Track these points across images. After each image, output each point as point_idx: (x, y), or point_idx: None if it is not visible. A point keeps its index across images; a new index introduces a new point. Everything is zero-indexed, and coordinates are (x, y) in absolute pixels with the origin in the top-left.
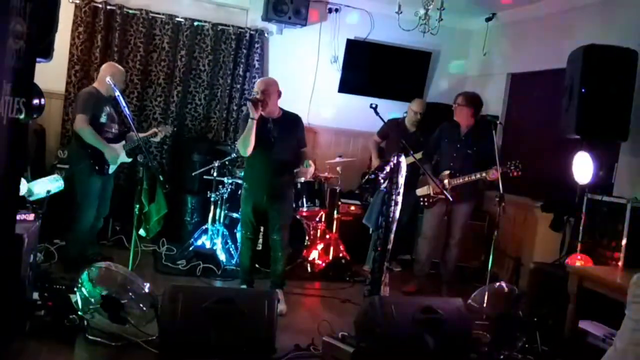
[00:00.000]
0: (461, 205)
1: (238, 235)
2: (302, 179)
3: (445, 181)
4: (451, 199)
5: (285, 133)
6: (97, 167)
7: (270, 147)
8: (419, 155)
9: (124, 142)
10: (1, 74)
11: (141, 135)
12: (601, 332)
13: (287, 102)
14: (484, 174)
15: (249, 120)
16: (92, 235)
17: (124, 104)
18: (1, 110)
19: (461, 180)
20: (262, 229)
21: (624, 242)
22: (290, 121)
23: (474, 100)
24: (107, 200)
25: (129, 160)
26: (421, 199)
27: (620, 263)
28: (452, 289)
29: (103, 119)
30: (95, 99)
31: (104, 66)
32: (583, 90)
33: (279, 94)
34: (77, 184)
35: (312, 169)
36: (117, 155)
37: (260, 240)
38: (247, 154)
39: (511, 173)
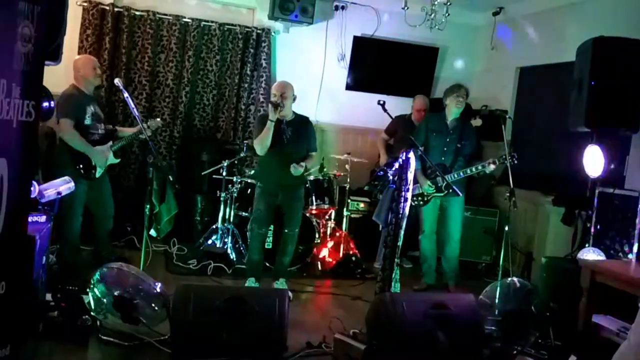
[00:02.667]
0: (455, 200)
1: (248, 234)
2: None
3: (438, 178)
4: (460, 194)
5: (298, 134)
6: (83, 172)
7: (283, 146)
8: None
9: (111, 142)
10: (11, 77)
11: (129, 132)
12: (615, 326)
13: (295, 101)
14: (480, 167)
15: (268, 121)
16: (105, 236)
17: (132, 105)
18: (11, 113)
19: (456, 176)
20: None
21: (636, 235)
22: (302, 124)
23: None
24: (108, 199)
25: (117, 161)
26: (414, 199)
27: (633, 256)
28: (459, 285)
29: (87, 121)
30: (77, 100)
31: (80, 61)
32: (592, 82)
33: (294, 98)
34: None
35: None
36: (105, 159)
37: (270, 239)
38: (263, 153)
39: (507, 163)
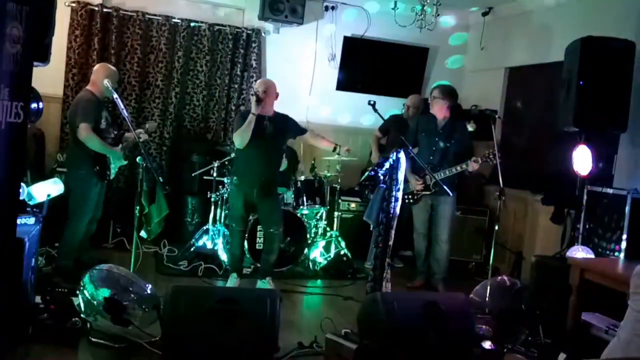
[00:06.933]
0: (445, 199)
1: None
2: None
3: (427, 176)
4: (450, 193)
5: (278, 131)
6: (100, 174)
7: (264, 142)
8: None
9: (121, 145)
10: None
11: (130, 136)
12: (604, 324)
13: (286, 101)
14: (464, 166)
15: (250, 115)
16: (86, 240)
17: (122, 106)
18: (0, 114)
19: (442, 175)
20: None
21: (624, 233)
22: (282, 121)
23: (448, 93)
24: (101, 204)
25: (126, 162)
26: (406, 197)
27: (621, 254)
28: (449, 284)
29: (103, 125)
30: (95, 105)
31: (97, 68)
32: (581, 82)
33: (277, 96)
34: (76, 190)
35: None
36: (121, 159)
37: (261, 240)
38: (242, 145)
39: (490, 162)
